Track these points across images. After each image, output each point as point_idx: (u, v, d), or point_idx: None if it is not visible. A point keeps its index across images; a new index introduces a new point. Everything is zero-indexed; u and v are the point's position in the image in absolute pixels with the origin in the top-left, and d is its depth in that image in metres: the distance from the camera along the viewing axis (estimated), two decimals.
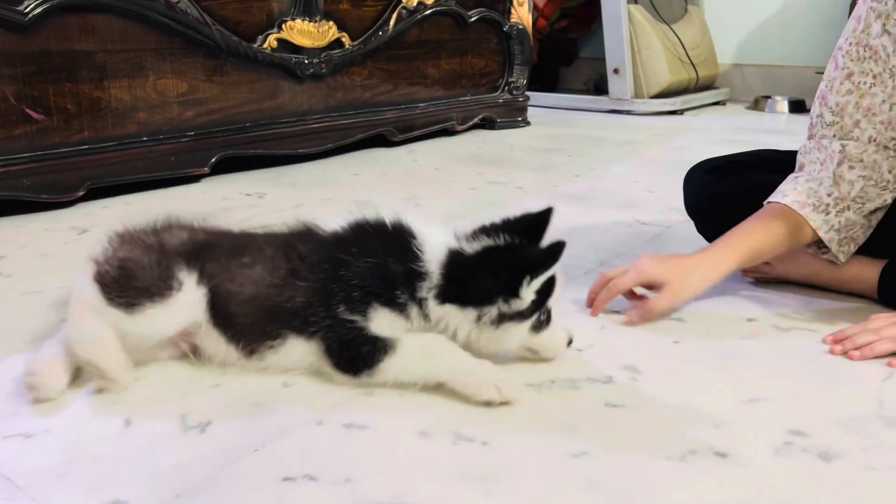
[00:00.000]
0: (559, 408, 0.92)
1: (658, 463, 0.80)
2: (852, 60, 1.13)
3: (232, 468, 0.79)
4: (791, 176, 1.22)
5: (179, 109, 2.10)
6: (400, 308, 0.93)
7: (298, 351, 0.96)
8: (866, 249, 1.21)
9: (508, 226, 0.99)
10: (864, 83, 1.13)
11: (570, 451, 0.82)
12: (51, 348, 0.95)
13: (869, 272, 1.21)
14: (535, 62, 3.80)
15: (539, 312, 0.96)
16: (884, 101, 1.12)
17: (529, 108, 3.34)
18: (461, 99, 3.04)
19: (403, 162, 2.51)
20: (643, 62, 3.68)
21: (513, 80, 3.23)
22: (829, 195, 1.16)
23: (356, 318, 0.92)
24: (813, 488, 0.76)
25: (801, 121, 3.57)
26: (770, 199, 1.20)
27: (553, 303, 0.98)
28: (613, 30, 3.63)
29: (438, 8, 2.82)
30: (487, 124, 3.16)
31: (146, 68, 2.00)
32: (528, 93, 3.31)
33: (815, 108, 1.20)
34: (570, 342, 1.02)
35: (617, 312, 1.20)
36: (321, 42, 2.42)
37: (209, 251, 0.99)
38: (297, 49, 2.36)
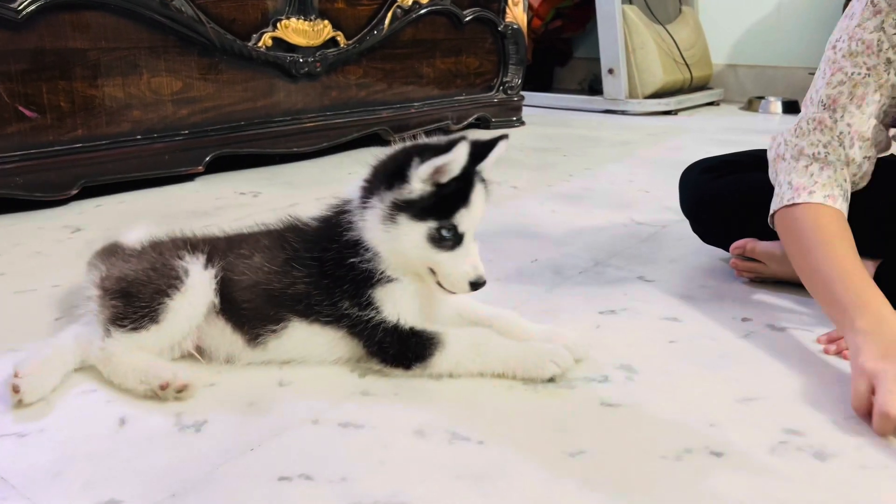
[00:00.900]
0: (555, 407, 0.92)
1: (654, 462, 0.80)
2: (844, 56, 1.13)
3: (227, 467, 0.78)
4: (801, 166, 1.14)
5: (174, 108, 2.09)
6: None
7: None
8: (860, 248, 1.21)
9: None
10: (858, 73, 1.13)
11: (566, 450, 0.82)
12: (41, 351, 0.94)
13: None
14: (530, 62, 3.80)
15: (441, 223, 0.92)
16: (875, 91, 1.12)
17: (524, 108, 3.35)
18: (456, 98, 3.04)
19: None
20: (637, 62, 3.69)
21: (508, 79, 3.23)
22: (845, 181, 1.12)
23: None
24: (808, 487, 0.76)
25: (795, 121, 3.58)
26: (795, 199, 1.11)
27: (469, 227, 0.94)
28: (608, 30, 3.64)
29: (433, 7, 2.82)
30: (482, 124, 3.16)
31: (140, 66, 2.00)
32: (522, 92, 3.31)
33: (808, 99, 1.19)
34: (477, 284, 0.94)
35: (612, 312, 1.21)
36: (316, 41, 2.42)
37: None
38: (291, 48, 2.36)
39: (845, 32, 1.14)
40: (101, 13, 1.88)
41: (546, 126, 3.32)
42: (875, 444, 0.84)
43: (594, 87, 4.10)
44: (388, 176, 0.94)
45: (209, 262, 0.99)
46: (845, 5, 3.49)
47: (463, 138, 0.91)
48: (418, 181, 0.92)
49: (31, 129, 1.79)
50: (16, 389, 0.88)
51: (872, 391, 0.87)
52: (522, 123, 3.29)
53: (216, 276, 0.98)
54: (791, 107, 3.83)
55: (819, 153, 1.14)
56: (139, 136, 2.01)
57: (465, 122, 3.06)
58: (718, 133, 3.15)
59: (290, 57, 2.35)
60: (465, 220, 0.94)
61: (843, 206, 1.11)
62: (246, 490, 0.75)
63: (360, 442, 0.84)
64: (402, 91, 2.80)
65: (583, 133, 3.14)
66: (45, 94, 1.81)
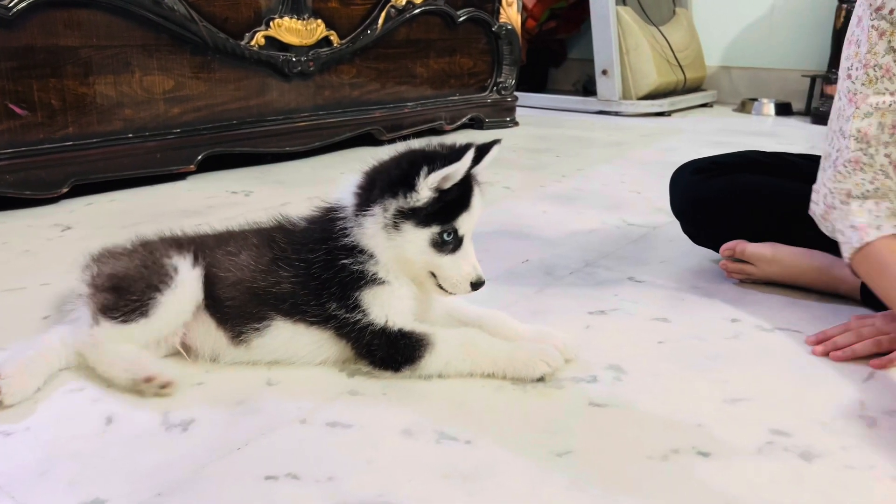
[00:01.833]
0: (543, 407, 0.92)
1: (641, 462, 0.80)
2: (863, 84, 1.10)
3: (214, 466, 0.78)
4: (855, 208, 1.11)
5: (166, 106, 2.09)
6: None
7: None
8: None
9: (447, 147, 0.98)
10: (883, 102, 1.08)
11: (554, 450, 0.82)
12: (24, 351, 0.93)
13: (852, 274, 1.22)
14: (524, 63, 3.81)
15: (443, 228, 0.94)
16: None
17: (518, 109, 3.35)
18: (449, 99, 3.04)
19: None
20: (631, 64, 3.70)
21: (501, 80, 3.24)
22: None
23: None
24: (794, 487, 0.76)
25: (788, 123, 3.60)
26: (865, 239, 1.08)
27: (468, 230, 0.96)
28: (602, 31, 3.65)
29: (427, 7, 2.82)
30: (476, 124, 3.16)
31: (132, 64, 1.99)
32: (516, 93, 3.31)
33: (835, 143, 1.14)
34: (478, 284, 0.97)
35: (601, 312, 1.21)
36: (309, 40, 2.42)
37: None
38: (284, 47, 2.35)
39: (857, 61, 1.10)
40: (93, 11, 1.88)
41: (539, 127, 3.32)
42: (861, 445, 0.84)
43: (588, 88, 4.11)
44: (393, 184, 0.94)
45: (196, 259, 0.99)
46: (838, 9, 3.52)
47: (469, 145, 0.92)
48: (427, 189, 0.92)
49: (21, 127, 1.78)
50: None
51: None
52: (516, 124, 3.29)
53: (202, 273, 0.98)
54: (784, 109, 3.84)
55: (868, 191, 1.11)
56: (131, 135, 2.01)
57: (459, 123, 3.06)
58: (711, 135, 3.16)
59: (283, 56, 2.34)
60: (465, 223, 0.95)
61: None
62: (233, 489, 0.75)
63: (347, 441, 0.83)
64: (396, 91, 2.80)
65: (576, 134, 3.14)
66: (35, 91, 1.80)
